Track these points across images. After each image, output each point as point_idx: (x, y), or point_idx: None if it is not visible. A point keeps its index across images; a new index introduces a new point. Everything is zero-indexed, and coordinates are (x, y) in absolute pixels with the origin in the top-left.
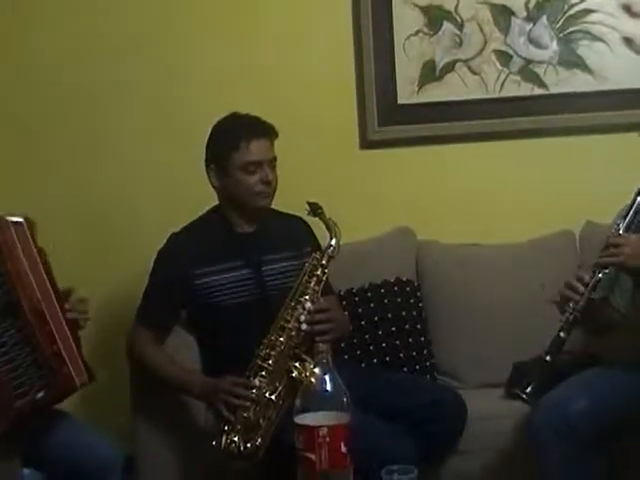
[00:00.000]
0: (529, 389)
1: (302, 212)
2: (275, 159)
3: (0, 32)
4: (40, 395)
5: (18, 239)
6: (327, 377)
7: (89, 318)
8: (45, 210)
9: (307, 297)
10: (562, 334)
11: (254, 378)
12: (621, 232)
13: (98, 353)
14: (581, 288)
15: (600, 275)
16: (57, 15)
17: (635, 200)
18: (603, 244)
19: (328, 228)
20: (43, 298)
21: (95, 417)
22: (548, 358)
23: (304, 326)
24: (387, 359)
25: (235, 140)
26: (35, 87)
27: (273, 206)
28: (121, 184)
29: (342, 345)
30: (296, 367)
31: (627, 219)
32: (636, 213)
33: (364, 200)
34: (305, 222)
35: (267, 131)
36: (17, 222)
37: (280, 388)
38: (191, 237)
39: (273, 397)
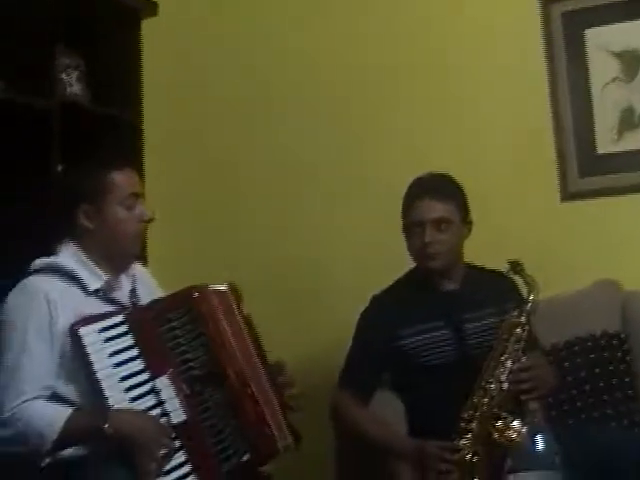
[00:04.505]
0: None
1: (502, 267)
2: (444, 219)
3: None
4: (245, 458)
5: (221, 308)
6: (539, 436)
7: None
8: (239, 274)
9: (507, 356)
10: None
11: (459, 441)
12: None
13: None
14: None
15: None
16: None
17: None
18: None
19: (528, 285)
20: (247, 363)
21: None
22: None
23: (505, 386)
24: (595, 415)
25: (404, 200)
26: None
27: (476, 263)
28: (314, 247)
29: (549, 401)
30: (496, 428)
31: None
32: None
33: (565, 253)
34: (509, 278)
35: (434, 191)
36: (220, 291)
37: (480, 449)
38: (393, 298)
39: (475, 459)
